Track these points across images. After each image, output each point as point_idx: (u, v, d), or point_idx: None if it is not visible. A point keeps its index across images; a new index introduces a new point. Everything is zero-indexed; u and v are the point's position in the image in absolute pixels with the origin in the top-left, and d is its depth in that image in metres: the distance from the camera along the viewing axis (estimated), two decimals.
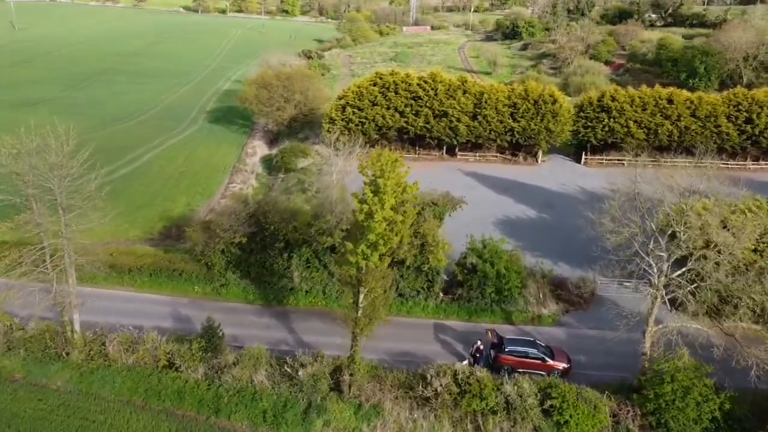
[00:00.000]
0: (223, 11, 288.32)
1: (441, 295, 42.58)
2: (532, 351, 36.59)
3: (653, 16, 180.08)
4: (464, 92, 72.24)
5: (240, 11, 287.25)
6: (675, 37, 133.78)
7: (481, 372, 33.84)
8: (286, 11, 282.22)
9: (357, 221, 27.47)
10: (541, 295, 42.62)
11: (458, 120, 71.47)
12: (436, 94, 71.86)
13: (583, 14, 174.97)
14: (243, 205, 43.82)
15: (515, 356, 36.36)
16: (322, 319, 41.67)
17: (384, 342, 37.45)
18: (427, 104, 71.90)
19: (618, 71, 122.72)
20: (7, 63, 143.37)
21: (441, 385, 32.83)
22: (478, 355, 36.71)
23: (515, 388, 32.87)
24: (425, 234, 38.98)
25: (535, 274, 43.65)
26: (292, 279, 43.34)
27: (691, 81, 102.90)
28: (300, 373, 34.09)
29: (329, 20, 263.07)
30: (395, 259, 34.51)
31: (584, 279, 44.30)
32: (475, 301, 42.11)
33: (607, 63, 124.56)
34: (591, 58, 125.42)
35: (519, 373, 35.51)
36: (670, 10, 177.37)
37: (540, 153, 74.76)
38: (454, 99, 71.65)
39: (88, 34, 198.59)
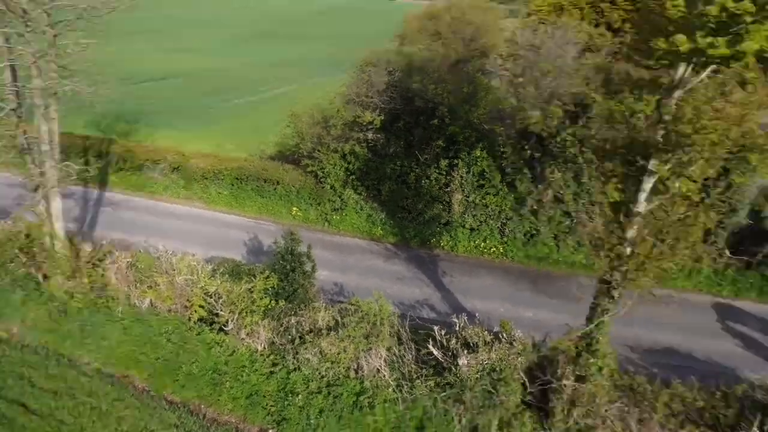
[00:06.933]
0: None
1: (726, 253, 22.88)
2: None
3: None
4: None
5: None
6: None
7: None
8: None
9: None
10: None
11: None
12: None
13: None
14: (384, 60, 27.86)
15: None
16: (496, 275, 24.60)
17: (626, 327, 18.78)
18: None
19: None
20: None
21: None
22: None
23: None
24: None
25: None
26: (449, 207, 26.31)
27: None
28: (461, 363, 16.66)
29: None
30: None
31: None
32: None
33: None
34: None
35: None
36: None
37: None
38: None
39: None
